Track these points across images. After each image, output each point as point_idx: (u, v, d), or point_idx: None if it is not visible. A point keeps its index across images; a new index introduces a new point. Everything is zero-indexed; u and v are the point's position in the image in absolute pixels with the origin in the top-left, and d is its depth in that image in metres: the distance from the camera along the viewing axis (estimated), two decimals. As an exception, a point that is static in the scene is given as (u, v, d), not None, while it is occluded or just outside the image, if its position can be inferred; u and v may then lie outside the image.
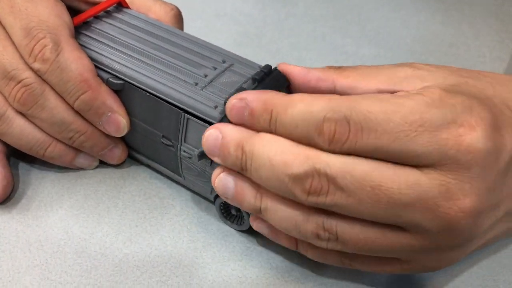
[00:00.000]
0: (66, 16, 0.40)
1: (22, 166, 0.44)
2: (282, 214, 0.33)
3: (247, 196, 0.34)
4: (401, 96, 0.31)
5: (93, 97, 0.39)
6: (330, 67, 0.36)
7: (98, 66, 0.40)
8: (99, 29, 0.42)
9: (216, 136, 0.34)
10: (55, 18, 0.39)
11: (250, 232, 0.40)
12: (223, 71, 0.39)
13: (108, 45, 0.41)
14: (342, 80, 0.35)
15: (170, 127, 0.39)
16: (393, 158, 0.30)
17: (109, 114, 0.40)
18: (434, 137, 0.30)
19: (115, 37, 0.41)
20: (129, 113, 0.41)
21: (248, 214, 0.38)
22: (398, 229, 0.32)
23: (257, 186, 0.34)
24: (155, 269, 0.38)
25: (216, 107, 0.36)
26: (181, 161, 0.40)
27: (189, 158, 0.39)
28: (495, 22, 0.61)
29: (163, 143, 0.40)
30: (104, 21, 0.42)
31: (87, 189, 0.43)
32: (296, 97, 0.32)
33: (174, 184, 0.43)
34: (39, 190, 0.43)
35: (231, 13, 0.60)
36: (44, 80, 0.39)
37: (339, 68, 0.36)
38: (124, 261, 0.39)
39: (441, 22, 0.60)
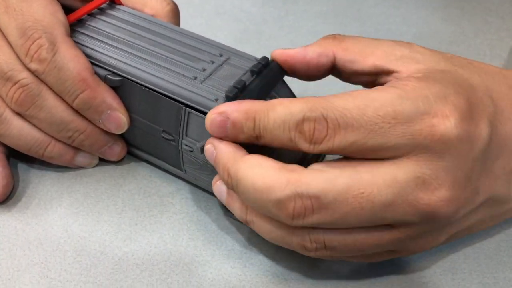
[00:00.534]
0: (61, 14, 0.40)
1: (22, 165, 0.44)
2: (267, 228, 0.34)
3: (236, 208, 0.36)
4: (374, 90, 0.32)
5: (92, 96, 0.39)
6: (327, 37, 0.37)
7: (95, 63, 0.40)
8: (94, 27, 0.42)
9: (211, 151, 0.35)
10: (50, 17, 0.39)
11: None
12: (221, 65, 0.39)
13: (104, 42, 0.40)
14: (341, 53, 0.36)
15: (171, 121, 0.39)
16: (371, 152, 0.31)
17: (109, 111, 0.40)
18: (408, 129, 0.30)
19: (111, 34, 0.41)
20: (128, 109, 0.41)
21: None
22: (383, 227, 0.32)
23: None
24: (154, 267, 0.38)
25: (216, 100, 0.37)
26: (182, 155, 0.40)
27: (191, 151, 0.39)
28: (495, 19, 0.61)
29: (163, 137, 0.40)
30: (99, 19, 0.42)
31: (87, 187, 0.43)
32: (274, 101, 0.33)
33: (174, 182, 0.43)
34: (39, 189, 0.43)
35: (231, 10, 0.60)
36: (42, 80, 0.39)
37: (336, 37, 0.37)
38: (124, 259, 0.39)
39: (441, 19, 0.60)
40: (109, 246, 0.39)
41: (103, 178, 0.43)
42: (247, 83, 0.37)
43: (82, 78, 0.38)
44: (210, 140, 0.35)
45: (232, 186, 0.33)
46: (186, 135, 0.39)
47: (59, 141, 0.41)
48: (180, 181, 0.43)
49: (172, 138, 0.40)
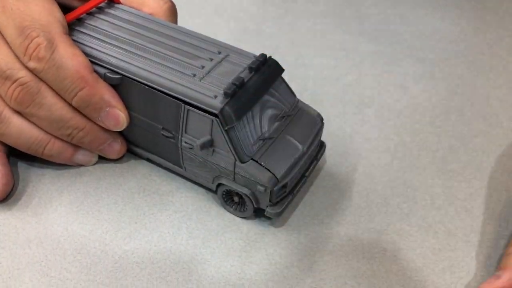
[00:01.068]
0: (58, 13, 0.40)
1: (22, 164, 0.44)
2: None
3: None
4: None
5: (90, 93, 0.39)
6: None
7: (94, 61, 0.40)
8: (92, 25, 0.42)
9: None
10: (47, 15, 0.39)
11: (252, 219, 0.40)
12: (220, 62, 0.39)
13: (103, 41, 0.41)
14: None
15: (170, 119, 0.39)
16: None
17: (108, 109, 0.40)
18: None
19: (110, 32, 0.41)
20: (128, 107, 0.41)
21: (251, 201, 0.39)
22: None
23: None
24: (154, 265, 0.38)
25: (215, 97, 0.37)
26: (182, 152, 0.40)
27: (191, 148, 0.39)
28: (494, 18, 0.61)
29: (163, 135, 0.40)
30: (97, 17, 0.42)
31: (87, 186, 0.43)
32: None
33: (174, 181, 0.43)
34: (39, 187, 0.43)
35: (231, 9, 0.60)
36: (41, 79, 0.39)
37: None
38: (124, 257, 0.39)
39: (441, 18, 0.60)
40: (109, 244, 0.39)
41: (103, 177, 0.44)
42: (245, 80, 0.37)
43: (81, 75, 0.38)
44: None
45: None
46: (186, 132, 0.39)
47: (59, 139, 0.41)
48: (179, 180, 0.43)
49: (171, 135, 0.40)
